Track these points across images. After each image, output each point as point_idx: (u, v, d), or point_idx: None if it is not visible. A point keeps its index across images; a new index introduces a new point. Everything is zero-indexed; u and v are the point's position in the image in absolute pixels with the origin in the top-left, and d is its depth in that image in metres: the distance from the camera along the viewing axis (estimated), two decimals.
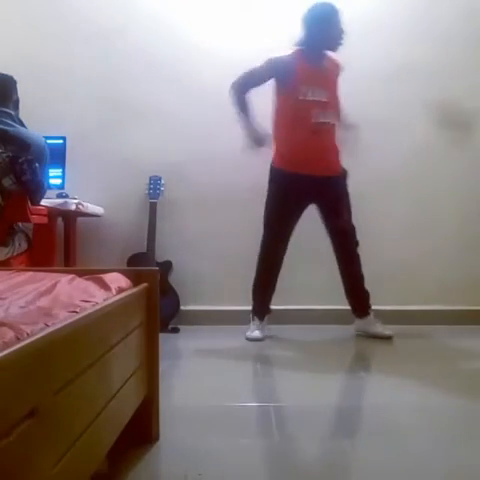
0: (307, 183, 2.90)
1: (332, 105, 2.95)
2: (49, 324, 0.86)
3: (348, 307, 3.14)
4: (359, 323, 3.07)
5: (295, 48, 2.96)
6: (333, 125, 2.96)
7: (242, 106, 2.96)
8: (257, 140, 2.94)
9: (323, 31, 2.90)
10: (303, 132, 2.90)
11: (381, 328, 3.00)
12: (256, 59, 3.44)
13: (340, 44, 2.93)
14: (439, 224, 3.47)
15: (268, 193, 3.00)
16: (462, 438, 1.57)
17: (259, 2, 3.50)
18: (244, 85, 2.95)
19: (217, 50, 3.46)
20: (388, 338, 2.94)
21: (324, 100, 2.91)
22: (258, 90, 2.95)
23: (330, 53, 2.98)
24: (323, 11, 2.90)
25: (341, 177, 3.00)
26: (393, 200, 3.42)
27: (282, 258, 3.01)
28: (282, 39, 3.45)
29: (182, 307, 3.30)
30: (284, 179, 2.96)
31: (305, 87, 2.89)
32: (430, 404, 1.86)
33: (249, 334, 2.99)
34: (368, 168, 3.38)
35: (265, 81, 2.94)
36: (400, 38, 3.47)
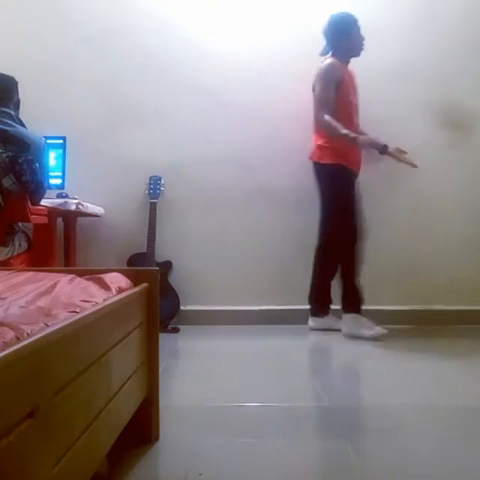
0: (353, 175, 3.07)
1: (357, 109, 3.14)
2: (49, 324, 0.86)
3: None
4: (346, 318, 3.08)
5: (328, 57, 3.09)
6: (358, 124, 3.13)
7: (342, 129, 2.96)
8: (381, 147, 2.97)
9: (348, 41, 3.08)
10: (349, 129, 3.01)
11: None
12: (256, 59, 3.46)
13: (362, 50, 3.11)
14: (439, 224, 3.47)
15: (333, 191, 3.04)
16: (465, 439, 1.57)
17: (259, 2, 3.49)
18: (328, 110, 2.98)
19: (217, 50, 3.46)
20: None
21: (356, 104, 3.11)
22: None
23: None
24: (345, 21, 3.08)
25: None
26: (393, 200, 3.42)
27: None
28: (282, 40, 3.47)
29: (182, 307, 3.30)
30: (347, 174, 3.03)
31: (351, 90, 3.08)
32: (432, 404, 1.86)
33: (373, 333, 2.95)
34: (368, 168, 3.38)
35: (333, 92, 3.02)
36: (400, 38, 3.47)
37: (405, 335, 3.06)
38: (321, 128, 3.03)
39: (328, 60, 3.06)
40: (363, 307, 3.06)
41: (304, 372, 2.41)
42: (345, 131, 2.95)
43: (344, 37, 3.07)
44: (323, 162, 3.05)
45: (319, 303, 3.16)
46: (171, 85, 3.46)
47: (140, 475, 1.31)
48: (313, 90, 3.09)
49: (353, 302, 3.04)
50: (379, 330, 2.95)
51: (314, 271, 3.14)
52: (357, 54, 3.12)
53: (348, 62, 3.14)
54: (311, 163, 3.11)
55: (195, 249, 3.45)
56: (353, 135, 2.96)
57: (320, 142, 3.06)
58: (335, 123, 2.96)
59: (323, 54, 3.13)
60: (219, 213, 3.46)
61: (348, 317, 3.03)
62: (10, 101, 2.48)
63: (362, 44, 3.11)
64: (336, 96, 3.02)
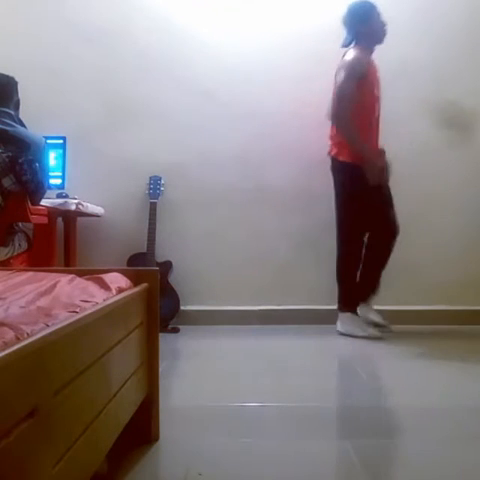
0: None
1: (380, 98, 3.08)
2: (49, 324, 0.86)
3: None
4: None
5: (353, 47, 3.03)
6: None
7: (357, 134, 2.95)
8: (373, 178, 2.95)
9: (370, 26, 3.02)
10: (373, 128, 3.01)
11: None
12: (257, 59, 3.46)
13: (385, 35, 3.05)
14: (439, 224, 3.47)
15: (349, 190, 3.00)
16: (467, 440, 1.57)
17: (259, 2, 3.49)
18: (348, 108, 2.93)
19: (217, 50, 3.46)
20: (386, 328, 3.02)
21: (378, 96, 3.05)
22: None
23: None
24: (364, 7, 3.04)
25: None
26: (394, 200, 3.42)
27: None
28: (283, 39, 3.47)
29: (182, 307, 3.30)
30: (354, 172, 2.97)
31: (375, 83, 3.02)
32: (432, 405, 1.86)
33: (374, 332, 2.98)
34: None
35: (356, 86, 2.96)
36: (400, 38, 3.46)
37: (405, 335, 3.06)
38: (338, 126, 2.97)
39: (352, 53, 2.99)
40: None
41: (304, 372, 2.41)
42: (359, 144, 2.93)
43: (365, 23, 3.02)
44: (341, 159, 3.00)
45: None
46: (171, 85, 3.46)
47: (140, 475, 1.31)
48: (335, 82, 3.02)
49: (349, 301, 3.04)
50: (372, 332, 2.97)
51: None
52: (380, 40, 3.06)
53: (372, 51, 3.07)
54: (329, 158, 3.06)
55: (195, 249, 3.45)
56: (366, 151, 2.93)
57: (339, 139, 3.01)
58: (353, 130, 2.92)
59: (345, 45, 3.07)
60: (219, 213, 3.46)
61: (342, 316, 3.04)
62: (10, 101, 2.48)
63: (384, 30, 3.05)
64: (358, 91, 2.94)
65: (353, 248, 3.04)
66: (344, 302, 3.06)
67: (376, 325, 3.04)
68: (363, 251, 3.06)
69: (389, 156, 3.37)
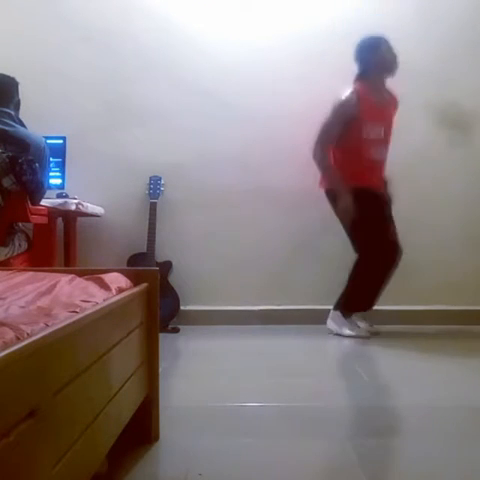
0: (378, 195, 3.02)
1: (387, 141, 3.05)
2: (49, 324, 0.86)
3: None
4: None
5: (357, 83, 3.03)
6: (384, 160, 3.07)
7: (329, 165, 2.99)
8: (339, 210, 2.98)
9: (378, 56, 3.01)
10: (363, 166, 2.99)
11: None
12: (256, 60, 3.46)
13: (397, 67, 3.04)
14: (439, 224, 3.47)
15: (362, 212, 2.95)
16: (468, 439, 1.57)
17: (259, 2, 3.49)
18: (325, 145, 2.98)
19: (217, 51, 3.46)
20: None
21: (381, 137, 3.01)
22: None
23: (389, 86, 3.09)
24: (373, 41, 3.03)
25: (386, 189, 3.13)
26: (394, 201, 3.42)
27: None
28: (283, 40, 3.47)
29: (182, 307, 3.30)
30: (367, 193, 2.98)
31: (369, 125, 2.97)
32: (432, 404, 1.85)
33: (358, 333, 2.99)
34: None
35: (341, 128, 2.97)
36: (401, 39, 3.46)
37: (405, 335, 3.06)
38: (315, 162, 3.01)
39: (348, 92, 2.97)
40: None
41: (304, 372, 2.41)
42: (332, 176, 2.97)
43: (373, 52, 3.01)
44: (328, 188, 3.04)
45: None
46: (171, 85, 3.46)
47: (140, 475, 1.31)
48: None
49: (352, 305, 3.05)
50: (361, 332, 2.98)
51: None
52: (390, 70, 3.04)
53: (382, 82, 3.05)
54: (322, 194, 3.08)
55: (195, 249, 3.45)
56: (337, 185, 2.95)
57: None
58: (326, 167, 2.97)
59: (355, 80, 3.05)
60: (219, 213, 3.45)
61: (334, 314, 3.06)
62: (10, 101, 2.48)
63: (395, 61, 3.03)
64: (348, 132, 2.96)
65: (375, 255, 3.01)
66: (347, 304, 3.06)
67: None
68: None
69: (390, 156, 3.39)
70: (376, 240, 2.98)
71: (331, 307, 3.18)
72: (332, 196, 3.03)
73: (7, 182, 2.25)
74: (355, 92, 2.99)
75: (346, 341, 2.97)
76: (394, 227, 3.04)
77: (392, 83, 3.19)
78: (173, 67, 3.47)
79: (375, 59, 3.02)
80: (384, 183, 3.10)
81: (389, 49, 3.05)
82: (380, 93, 3.06)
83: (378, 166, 3.06)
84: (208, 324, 3.32)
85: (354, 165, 3.01)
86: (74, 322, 0.91)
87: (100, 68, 3.47)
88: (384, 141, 3.05)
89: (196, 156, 3.45)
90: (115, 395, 1.14)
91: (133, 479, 1.29)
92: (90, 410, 0.98)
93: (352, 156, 3.01)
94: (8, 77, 2.51)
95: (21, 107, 2.57)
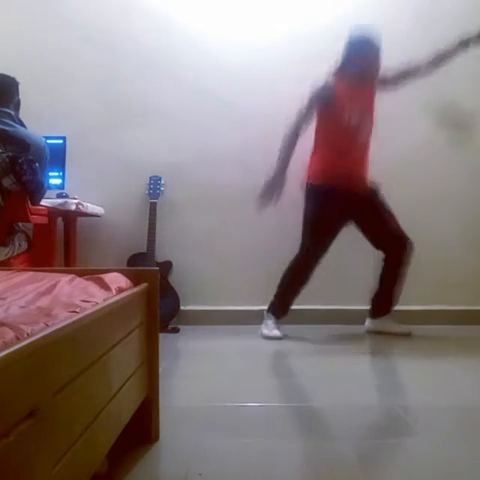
0: (346, 199, 2.93)
1: (369, 124, 3.02)
2: (49, 324, 0.86)
3: (346, 307, 3.22)
4: (377, 322, 3.09)
5: (334, 76, 3.02)
6: (368, 143, 3.03)
7: (287, 147, 2.96)
8: (275, 188, 2.96)
9: (362, 53, 2.97)
10: (343, 152, 2.96)
11: (399, 327, 3.08)
12: (256, 60, 3.46)
13: (378, 72, 3.01)
14: (439, 224, 3.47)
15: (306, 212, 3.00)
16: (467, 439, 1.57)
17: (259, 2, 3.49)
18: (295, 124, 2.96)
19: (217, 51, 3.46)
20: (407, 335, 3.02)
21: (361, 122, 2.98)
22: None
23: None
24: (362, 36, 2.99)
25: (374, 191, 3.06)
26: (393, 200, 3.42)
27: (313, 272, 3.02)
28: (283, 39, 3.47)
29: (182, 307, 3.30)
30: (324, 196, 2.97)
31: (347, 111, 2.95)
32: (432, 404, 1.85)
33: (267, 333, 3.00)
34: (369, 167, 3.38)
35: (313, 111, 2.96)
36: (401, 39, 3.46)
37: (405, 335, 3.06)
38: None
39: (321, 82, 2.97)
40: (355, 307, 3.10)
41: (304, 372, 2.41)
42: (278, 160, 2.94)
43: (358, 49, 2.97)
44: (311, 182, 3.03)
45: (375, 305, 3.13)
46: (171, 85, 3.46)
47: (140, 475, 1.31)
48: None
49: (277, 308, 3.08)
50: (277, 333, 2.98)
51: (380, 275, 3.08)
52: (372, 75, 3.01)
53: (362, 80, 3.01)
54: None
55: (195, 249, 3.45)
56: (275, 170, 2.94)
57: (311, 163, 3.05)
58: (283, 145, 2.94)
59: (334, 71, 3.02)
60: (219, 213, 3.46)
61: (267, 318, 3.07)
62: (10, 101, 2.48)
63: (377, 64, 2.99)
64: (324, 118, 2.97)
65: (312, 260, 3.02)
66: (384, 308, 3.09)
67: (397, 335, 3.04)
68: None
69: (390, 156, 3.39)
70: (319, 243, 2.98)
71: (331, 307, 3.21)
72: (309, 194, 3.02)
73: (7, 182, 2.25)
74: (332, 80, 2.99)
75: (346, 341, 2.98)
76: (395, 222, 3.01)
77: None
78: (173, 67, 3.47)
79: (357, 55, 2.98)
80: (366, 182, 3.03)
81: (374, 50, 2.99)
82: (358, 83, 3.01)
83: (360, 154, 3.00)
84: (208, 324, 3.32)
85: (332, 155, 2.98)
86: (74, 322, 0.91)
87: (100, 68, 3.47)
88: (367, 125, 2.99)
89: (196, 156, 3.45)
90: (115, 395, 1.14)
91: (133, 479, 1.29)
92: (90, 410, 0.99)
93: (334, 141, 2.97)
94: (8, 77, 2.51)
95: (21, 107, 2.57)
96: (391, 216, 3.03)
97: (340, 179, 2.93)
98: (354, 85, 3.00)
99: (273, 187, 2.95)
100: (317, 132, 3.03)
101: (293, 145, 2.97)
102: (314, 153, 3.04)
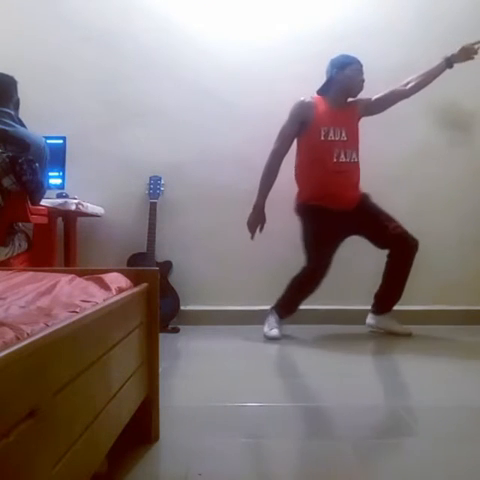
0: (335, 218, 2.95)
1: (353, 144, 3.03)
2: (49, 324, 0.86)
3: (346, 307, 3.23)
4: (380, 319, 3.09)
5: (316, 95, 3.06)
6: (355, 163, 3.04)
7: (270, 173, 3.01)
8: (260, 224, 3.05)
9: (344, 75, 3.01)
10: (325, 171, 2.97)
11: (400, 327, 3.08)
12: (256, 60, 3.46)
13: (360, 89, 3.06)
14: (439, 224, 3.47)
15: (302, 229, 3.04)
16: (467, 439, 1.57)
17: (259, 3, 3.49)
18: (280, 146, 3.01)
19: (217, 51, 3.46)
20: (408, 335, 3.02)
21: (344, 139, 2.99)
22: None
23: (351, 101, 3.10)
24: (344, 60, 3.04)
25: (363, 200, 3.06)
26: (393, 200, 3.41)
27: (323, 279, 3.02)
28: (283, 40, 3.47)
29: (182, 307, 3.30)
30: (313, 212, 3.01)
31: (326, 128, 2.97)
32: (432, 404, 1.85)
33: (266, 331, 3.00)
34: (368, 168, 3.38)
35: (296, 129, 3.00)
36: (400, 38, 3.47)
37: (405, 335, 3.06)
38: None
39: (302, 98, 3.00)
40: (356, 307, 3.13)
41: (304, 372, 2.41)
42: (260, 187, 3.01)
43: (340, 70, 3.01)
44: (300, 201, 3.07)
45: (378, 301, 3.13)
46: (171, 85, 3.46)
47: (140, 475, 1.31)
48: None
49: (282, 308, 3.08)
50: (276, 334, 2.98)
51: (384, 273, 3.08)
52: (353, 94, 3.06)
53: (344, 102, 3.06)
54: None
55: (195, 249, 3.45)
56: (257, 200, 3.02)
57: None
58: (267, 171, 2.99)
59: (317, 91, 3.07)
60: (219, 213, 3.46)
61: (270, 315, 3.09)
62: (10, 101, 2.48)
63: (360, 85, 3.04)
64: (305, 136, 2.99)
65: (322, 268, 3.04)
66: (387, 305, 3.09)
67: (398, 335, 3.04)
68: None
69: (390, 156, 3.39)
70: (322, 256, 2.99)
71: (331, 307, 3.21)
72: (299, 213, 3.07)
73: (7, 182, 2.25)
74: (312, 98, 3.03)
75: (346, 341, 2.98)
76: (394, 221, 3.00)
77: (393, 85, 3.19)
78: (173, 67, 3.47)
79: (339, 78, 3.03)
80: (355, 196, 3.03)
81: (358, 71, 3.04)
82: (339, 105, 3.05)
83: (344, 171, 2.99)
84: (208, 324, 3.32)
85: (314, 174, 3.00)
86: (74, 322, 0.91)
87: (100, 68, 3.47)
88: (349, 143, 3.00)
89: (196, 156, 3.45)
90: (115, 395, 1.14)
91: (133, 479, 1.29)
92: (90, 410, 0.99)
93: (314, 161, 3.00)
94: (7, 76, 2.50)
95: (21, 107, 2.57)
96: (387, 217, 3.03)
97: (325, 199, 2.96)
98: (335, 106, 3.02)
99: (257, 220, 3.05)
100: (299, 152, 3.06)
101: (276, 172, 3.02)
102: (298, 174, 3.08)
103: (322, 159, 2.97)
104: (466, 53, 3.09)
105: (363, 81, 3.06)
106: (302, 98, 3.01)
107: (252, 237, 3.06)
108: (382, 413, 1.81)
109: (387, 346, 2.87)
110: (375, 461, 1.41)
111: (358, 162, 3.05)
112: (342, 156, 2.98)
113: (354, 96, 3.09)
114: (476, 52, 3.09)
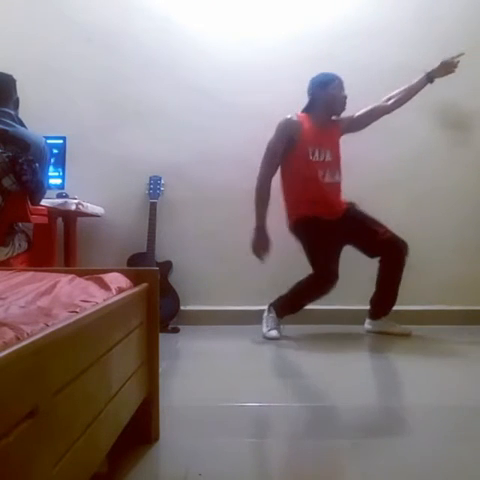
0: (328, 225, 2.98)
1: (336, 164, 3.05)
2: (49, 324, 0.86)
3: (346, 307, 3.24)
4: (377, 324, 3.10)
5: (301, 114, 3.07)
6: (338, 183, 3.06)
7: (263, 197, 3.02)
8: (264, 246, 3.04)
9: (327, 93, 3.03)
10: (317, 186, 2.99)
11: (399, 328, 3.08)
12: (255, 60, 3.46)
13: (343, 109, 3.07)
14: (439, 224, 3.47)
15: (304, 243, 3.04)
16: (466, 439, 1.57)
17: (259, 3, 3.49)
18: (269, 165, 3.02)
19: (217, 51, 3.46)
20: (407, 335, 3.03)
21: (329, 160, 3.01)
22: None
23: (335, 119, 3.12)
24: (325, 78, 3.04)
25: (350, 208, 3.08)
26: (393, 200, 3.42)
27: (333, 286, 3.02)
28: (283, 40, 3.47)
29: (182, 307, 3.30)
30: (310, 223, 3.02)
31: (312, 148, 2.99)
32: (432, 404, 1.85)
33: (265, 332, 3.00)
34: (368, 168, 3.38)
35: (283, 146, 3.00)
36: (400, 38, 3.47)
37: (405, 335, 3.06)
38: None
39: (289, 115, 3.01)
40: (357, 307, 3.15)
41: (304, 372, 2.41)
42: (257, 210, 3.00)
43: (323, 88, 3.02)
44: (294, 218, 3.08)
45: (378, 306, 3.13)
46: (171, 85, 3.46)
47: (140, 475, 1.31)
48: None
49: (283, 308, 3.08)
50: (274, 334, 2.99)
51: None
52: (336, 110, 3.07)
53: (327, 119, 3.08)
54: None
55: (195, 249, 3.45)
56: (257, 222, 3.01)
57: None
58: (259, 196, 3.00)
59: (302, 110, 3.09)
60: (219, 213, 3.46)
61: (268, 312, 3.09)
62: (9, 100, 2.47)
63: (343, 101, 3.05)
64: (292, 153, 3.00)
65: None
66: (383, 309, 3.10)
67: (397, 335, 3.04)
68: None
69: (390, 156, 3.39)
70: (325, 265, 2.99)
71: (330, 307, 3.21)
72: (297, 230, 3.08)
73: (7, 182, 2.24)
74: (297, 116, 3.04)
75: (346, 341, 2.98)
76: (382, 227, 3.01)
77: (393, 86, 3.19)
78: (173, 67, 3.47)
79: (322, 96, 3.04)
80: (342, 207, 3.06)
81: (339, 88, 3.05)
82: (323, 124, 3.06)
83: (330, 190, 3.02)
84: (208, 324, 3.32)
85: (304, 189, 3.02)
86: (74, 322, 0.91)
87: (100, 68, 3.47)
88: (333, 164, 3.03)
89: (196, 156, 3.45)
90: (115, 395, 1.14)
91: (133, 479, 1.29)
92: (90, 410, 0.99)
93: (301, 179, 3.01)
94: (5, 75, 2.49)
95: (21, 107, 2.56)
96: (376, 222, 3.04)
97: (319, 209, 2.98)
98: (319, 125, 3.04)
99: (261, 243, 3.03)
100: (286, 170, 3.06)
101: (269, 195, 3.03)
102: (288, 192, 3.08)
103: (314, 176, 2.99)
104: (446, 68, 3.11)
105: (345, 97, 3.06)
106: (289, 116, 3.02)
107: (261, 261, 3.05)
108: (381, 413, 1.81)
109: (386, 346, 2.87)
110: (374, 461, 1.41)
111: (340, 182, 3.08)
112: (327, 176, 3.02)
113: (338, 114, 3.10)
114: (456, 66, 3.11)
